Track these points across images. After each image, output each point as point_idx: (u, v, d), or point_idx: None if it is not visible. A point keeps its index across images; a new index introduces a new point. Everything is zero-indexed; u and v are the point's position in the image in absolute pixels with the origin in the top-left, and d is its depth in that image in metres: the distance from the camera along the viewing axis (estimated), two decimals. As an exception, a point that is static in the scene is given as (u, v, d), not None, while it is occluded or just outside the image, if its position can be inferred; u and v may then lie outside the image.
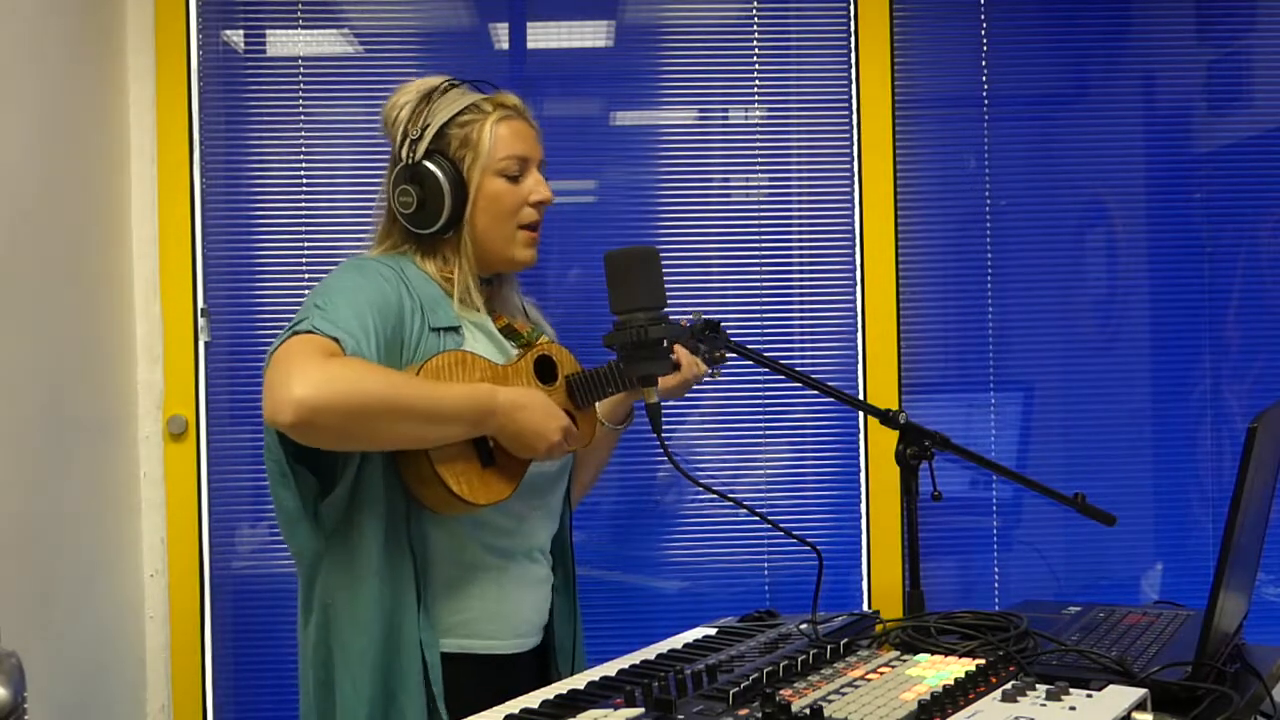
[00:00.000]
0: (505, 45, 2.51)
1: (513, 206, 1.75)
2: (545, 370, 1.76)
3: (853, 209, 2.51)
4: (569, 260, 2.48)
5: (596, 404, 1.80)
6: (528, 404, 1.62)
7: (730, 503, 1.75)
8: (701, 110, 2.54)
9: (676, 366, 1.84)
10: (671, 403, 2.41)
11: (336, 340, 1.51)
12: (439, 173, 1.70)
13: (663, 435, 1.61)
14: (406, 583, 1.62)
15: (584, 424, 1.77)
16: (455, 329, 1.68)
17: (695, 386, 1.95)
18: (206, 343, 2.40)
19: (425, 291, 1.68)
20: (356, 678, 1.60)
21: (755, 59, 2.52)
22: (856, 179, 2.51)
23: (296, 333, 1.52)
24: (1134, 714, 1.17)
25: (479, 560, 1.68)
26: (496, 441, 1.63)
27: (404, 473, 1.62)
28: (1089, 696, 1.18)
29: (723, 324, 1.86)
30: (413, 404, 1.53)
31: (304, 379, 1.45)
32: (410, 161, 1.70)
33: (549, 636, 1.82)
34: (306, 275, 2.42)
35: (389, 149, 1.78)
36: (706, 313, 1.82)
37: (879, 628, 1.62)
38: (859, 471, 2.50)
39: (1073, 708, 1.14)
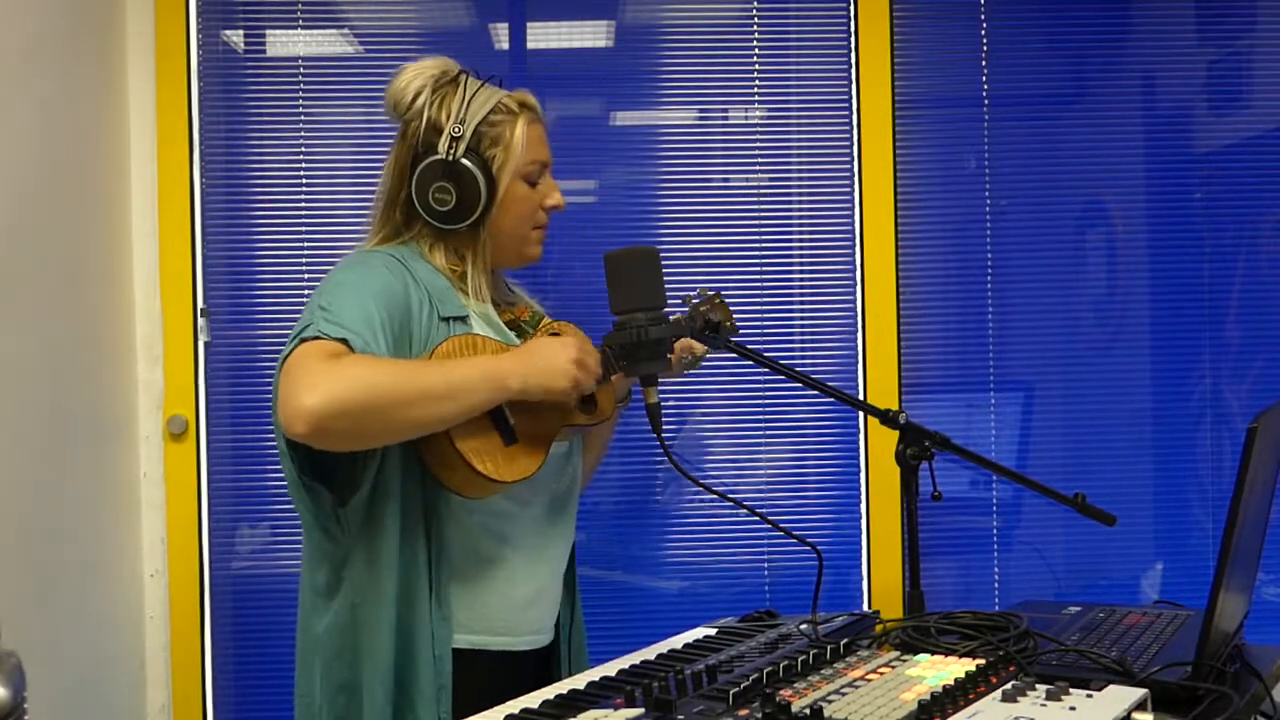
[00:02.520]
0: (505, 45, 2.51)
1: (532, 210, 1.76)
2: None
3: (853, 209, 2.51)
4: (569, 260, 2.48)
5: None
6: (533, 347, 1.63)
7: (730, 503, 1.75)
8: (701, 110, 2.54)
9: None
10: (672, 403, 2.41)
11: (344, 341, 1.51)
12: (478, 173, 1.68)
13: (663, 435, 1.61)
14: (422, 578, 1.62)
15: (603, 397, 1.77)
16: (463, 318, 1.68)
17: (697, 385, 1.95)
18: (206, 343, 2.40)
19: (432, 283, 1.68)
20: (384, 677, 1.60)
21: (755, 59, 2.52)
22: (856, 179, 2.51)
23: (303, 340, 1.51)
24: (1134, 714, 1.17)
25: (491, 553, 1.68)
26: (518, 418, 1.63)
27: (427, 458, 1.61)
28: (1089, 696, 1.18)
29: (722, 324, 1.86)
30: (425, 386, 1.51)
31: (311, 387, 1.44)
32: (450, 158, 1.68)
33: (557, 635, 1.81)
34: (306, 275, 2.42)
35: (390, 143, 1.76)
36: (706, 313, 1.81)
37: (879, 628, 1.62)
38: (859, 471, 2.50)
39: (1073, 708, 1.14)
